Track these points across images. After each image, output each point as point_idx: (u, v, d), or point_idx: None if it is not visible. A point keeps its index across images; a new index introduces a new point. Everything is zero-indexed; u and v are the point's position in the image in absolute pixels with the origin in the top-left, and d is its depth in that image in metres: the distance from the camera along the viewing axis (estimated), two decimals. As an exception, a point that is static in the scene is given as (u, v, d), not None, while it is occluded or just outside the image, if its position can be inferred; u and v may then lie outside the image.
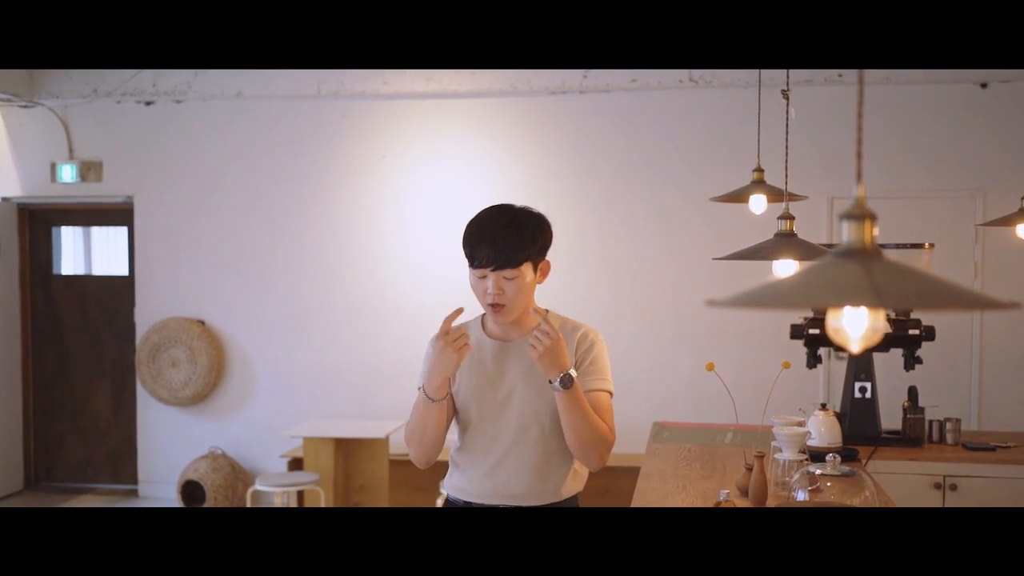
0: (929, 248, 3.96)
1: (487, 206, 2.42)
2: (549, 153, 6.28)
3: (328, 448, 5.61)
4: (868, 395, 3.90)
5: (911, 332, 3.87)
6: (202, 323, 6.64)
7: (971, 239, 5.79)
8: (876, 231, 1.16)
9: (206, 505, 6.18)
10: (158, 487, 6.71)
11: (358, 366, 6.46)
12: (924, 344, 3.91)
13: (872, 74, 5.80)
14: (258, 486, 5.29)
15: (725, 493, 2.63)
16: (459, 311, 2.34)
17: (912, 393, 3.98)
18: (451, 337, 2.31)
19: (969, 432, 4.29)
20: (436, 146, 6.39)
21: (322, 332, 6.53)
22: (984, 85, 5.81)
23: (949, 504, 3.69)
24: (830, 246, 3.55)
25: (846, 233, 1.16)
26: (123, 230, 6.98)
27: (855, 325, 1.16)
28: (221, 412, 6.67)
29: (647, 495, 3.11)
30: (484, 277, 2.36)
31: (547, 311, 2.43)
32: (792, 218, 2.63)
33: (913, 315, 3.92)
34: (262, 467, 6.46)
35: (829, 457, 2.70)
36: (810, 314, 3.99)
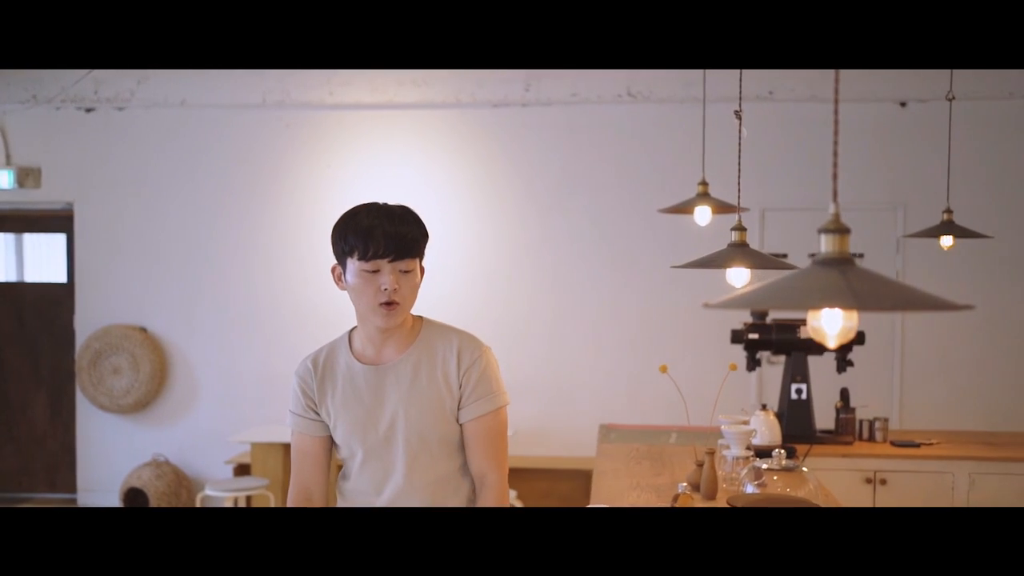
0: (858, 258, 4.23)
1: (360, 203, 2.24)
2: (493, 164, 6.44)
3: (276, 453, 5.68)
4: (804, 396, 4.14)
5: (843, 336, 4.12)
6: (144, 330, 6.63)
7: (893, 250, 6.12)
8: (849, 242, 1.35)
9: (149, 512, 6.17)
10: (99, 495, 6.67)
11: (302, 373, 6.50)
12: (855, 348, 4.17)
13: (800, 92, 6.10)
14: (208, 491, 5.34)
15: (683, 486, 2.82)
16: None
17: (844, 394, 4.24)
18: None
19: (895, 430, 4.57)
20: (380, 157, 6.49)
21: (266, 338, 6.57)
22: (903, 104, 6.15)
23: (879, 497, 3.94)
24: (779, 255, 3.78)
25: (824, 245, 1.35)
26: (61, 237, 6.92)
27: (832, 324, 1.34)
28: (164, 419, 6.66)
29: (603, 491, 3.29)
30: (377, 271, 2.13)
31: (422, 318, 2.26)
32: (744, 229, 2.84)
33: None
34: (206, 474, 6.48)
35: (775, 453, 2.90)
36: (750, 319, 4.22)
